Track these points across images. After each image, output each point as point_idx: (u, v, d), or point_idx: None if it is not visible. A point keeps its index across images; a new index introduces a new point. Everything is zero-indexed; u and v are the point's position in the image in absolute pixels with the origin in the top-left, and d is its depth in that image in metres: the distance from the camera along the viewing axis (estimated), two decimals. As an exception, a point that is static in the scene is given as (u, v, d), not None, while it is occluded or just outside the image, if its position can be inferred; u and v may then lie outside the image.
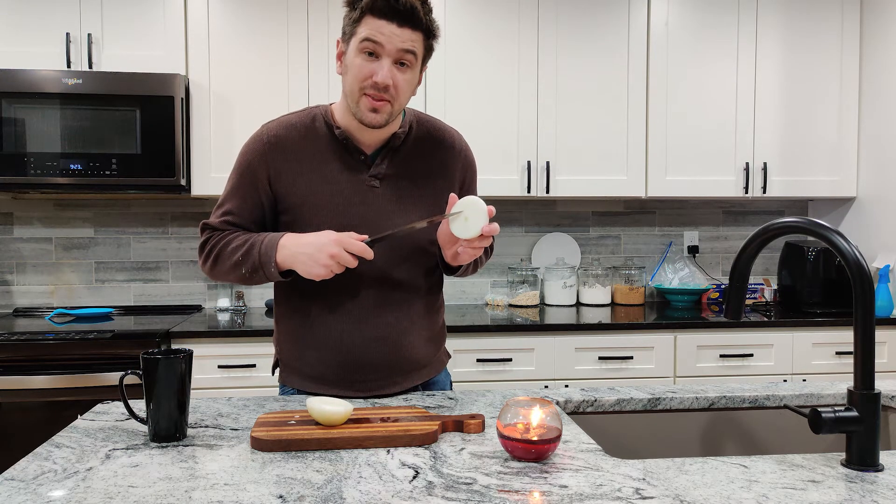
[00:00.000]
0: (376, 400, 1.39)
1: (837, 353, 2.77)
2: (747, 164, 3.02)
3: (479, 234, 1.26)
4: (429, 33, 1.35)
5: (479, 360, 2.61)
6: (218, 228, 1.45)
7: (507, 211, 3.28)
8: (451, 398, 1.41)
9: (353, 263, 1.30)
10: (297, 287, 1.44)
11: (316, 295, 1.42)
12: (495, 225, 1.27)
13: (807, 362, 2.75)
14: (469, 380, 2.60)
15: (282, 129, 1.42)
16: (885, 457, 1.08)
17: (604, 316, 2.84)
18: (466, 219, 1.26)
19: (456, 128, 1.57)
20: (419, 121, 1.49)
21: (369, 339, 1.42)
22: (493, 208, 1.26)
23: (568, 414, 1.39)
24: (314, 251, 1.30)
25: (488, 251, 1.57)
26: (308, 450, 1.09)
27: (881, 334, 2.76)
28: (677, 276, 3.24)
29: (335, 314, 1.42)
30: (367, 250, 1.29)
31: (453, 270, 1.48)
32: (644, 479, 0.97)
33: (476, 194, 1.51)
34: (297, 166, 1.41)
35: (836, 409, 1.03)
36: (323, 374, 1.44)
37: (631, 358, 2.67)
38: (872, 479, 0.99)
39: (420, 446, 1.12)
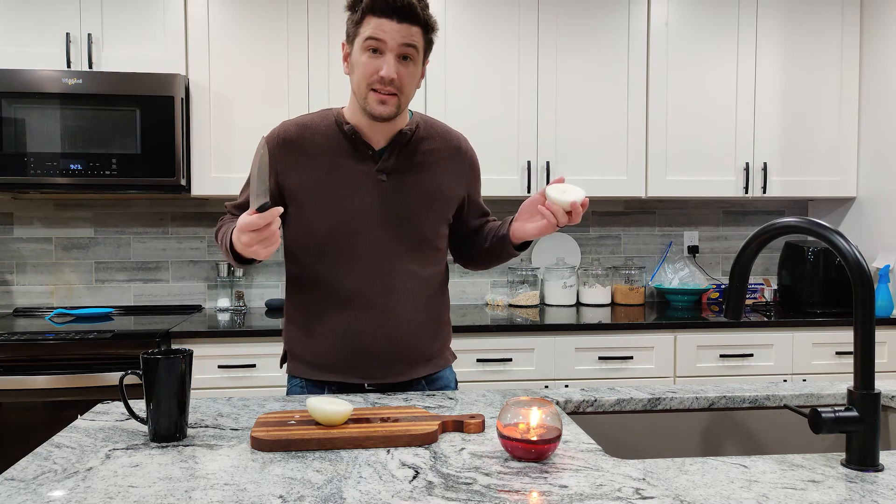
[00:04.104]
0: (377, 399, 1.39)
1: (837, 353, 2.77)
2: (747, 164, 3.02)
3: (571, 202, 1.36)
4: (427, 27, 1.42)
5: (479, 360, 2.61)
6: (229, 215, 1.58)
7: (508, 211, 3.28)
8: (451, 398, 1.41)
9: (266, 234, 1.26)
10: (306, 278, 1.52)
11: (323, 285, 1.50)
12: (587, 200, 1.37)
13: (807, 362, 2.75)
14: (469, 380, 2.60)
15: (294, 127, 1.50)
16: (885, 457, 1.08)
17: (604, 316, 2.84)
18: (565, 191, 1.37)
19: (456, 128, 1.63)
20: (426, 122, 1.56)
21: (374, 327, 1.48)
22: (587, 200, 1.38)
23: (568, 414, 1.39)
24: (237, 242, 1.31)
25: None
26: (308, 450, 1.09)
27: (881, 334, 2.76)
28: (677, 276, 3.24)
29: (341, 303, 1.49)
30: (265, 217, 1.24)
31: (518, 248, 1.52)
32: (644, 479, 0.97)
33: (480, 196, 1.66)
34: (307, 160, 1.48)
35: (836, 409, 1.03)
36: (329, 362, 1.51)
37: (631, 358, 2.66)
38: (872, 479, 0.99)
39: (420, 446, 1.12)
